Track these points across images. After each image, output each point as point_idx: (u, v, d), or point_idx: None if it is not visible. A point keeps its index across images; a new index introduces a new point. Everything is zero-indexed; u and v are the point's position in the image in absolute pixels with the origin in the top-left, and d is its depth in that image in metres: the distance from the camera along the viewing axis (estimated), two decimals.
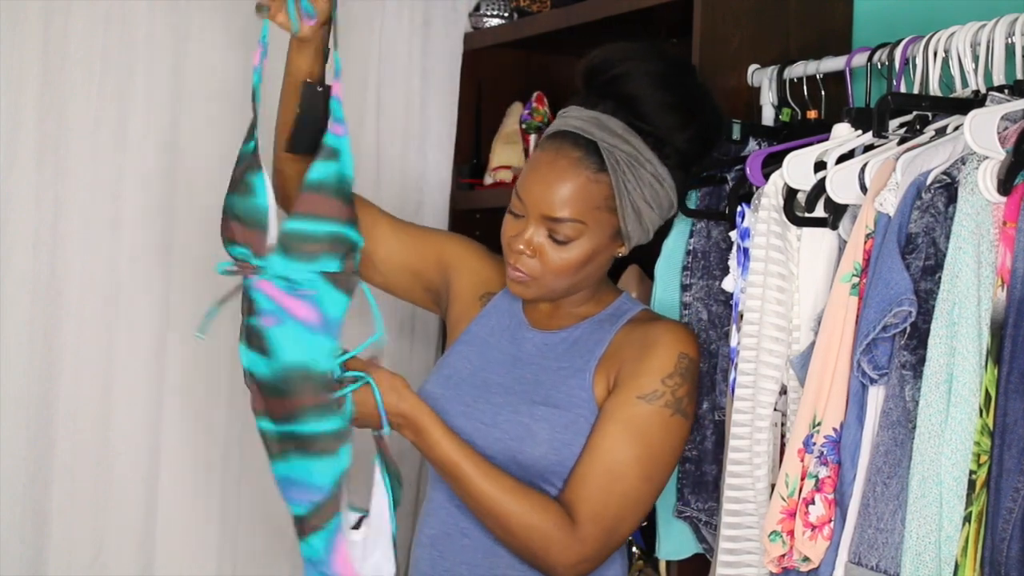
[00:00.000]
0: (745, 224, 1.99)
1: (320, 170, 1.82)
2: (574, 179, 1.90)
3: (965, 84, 1.91)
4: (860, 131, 1.91)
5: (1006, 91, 1.79)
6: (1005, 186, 1.62)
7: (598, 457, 1.89)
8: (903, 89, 2.00)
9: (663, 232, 2.20)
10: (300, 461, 1.87)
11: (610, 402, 1.92)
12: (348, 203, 1.84)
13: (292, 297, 1.83)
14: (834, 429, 1.76)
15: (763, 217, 1.92)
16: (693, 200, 2.18)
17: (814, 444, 1.77)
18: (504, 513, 1.88)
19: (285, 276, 1.82)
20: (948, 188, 1.69)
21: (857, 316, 1.75)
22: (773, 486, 1.85)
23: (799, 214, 1.90)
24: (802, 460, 1.78)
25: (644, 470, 1.90)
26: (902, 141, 1.85)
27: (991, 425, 1.60)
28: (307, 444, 1.85)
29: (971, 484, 1.61)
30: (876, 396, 1.74)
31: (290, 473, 1.88)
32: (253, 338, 1.86)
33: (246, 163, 1.85)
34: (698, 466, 2.12)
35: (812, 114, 2.18)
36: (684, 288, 2.15)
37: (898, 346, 1.70)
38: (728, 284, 2.03)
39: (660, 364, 1.92)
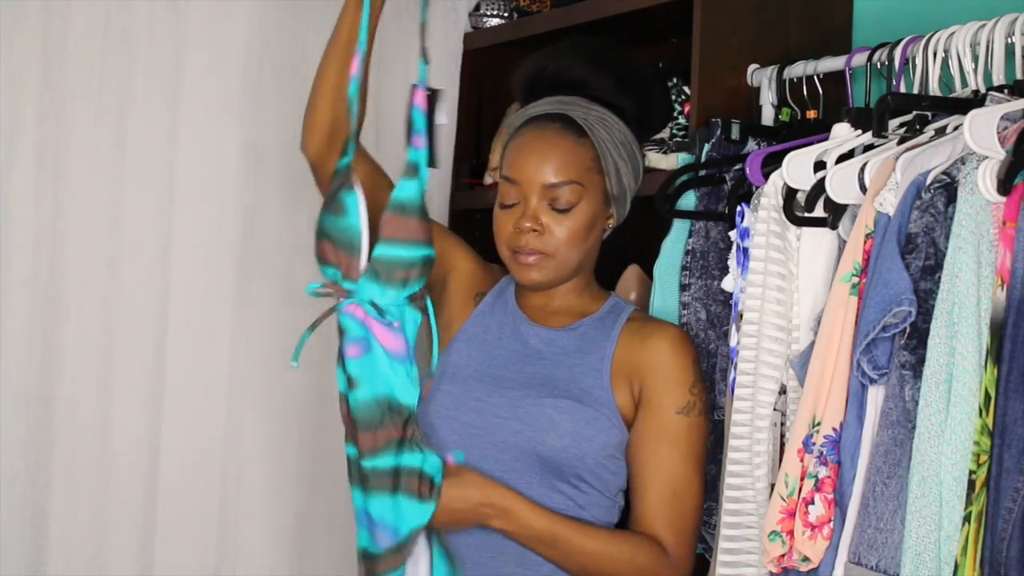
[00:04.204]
0: (745, 224, 1.99)
1: (406, 189, 1.81)
2: (562, 145, 1.97)
3: (965, 84, 1.91)
4: (860, 131, 1.91)
5: (1006, 91, 1.79)
6: (1005, 186, 1.61)
7: (663, 482, 1.95)
8: (903, 89, 2.00)
9: (662, 232, 2.21)
10: (385, 499, 1.85)
11: (649, 421, 1.96)
12: (427, 220, 1.83)
13: (381, 324, 1.81)
14: (834, 429, 1.76)
15: (763, 217, 1.92)
16: (692, 200, 2.18)
17: (814, 444, 1.77)
18: (611, 562, 1.93)
19: (374, 302, 1.81)
20: (948, 188, 1.69)
21: (857, 316, 1.75)
22: (773, 486, 1.85)
23: (799, 214, 1.90)
24: (802, 460, 1.78)
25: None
26: (902, 141, 1.85)
27: (991, 425, 1.60)
28: (393, 479, 1.83)
29: (971, 484, 1.61)
30: (876, 396, 1.74)
31: (372, 510, 1.85)
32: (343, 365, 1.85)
33: (340, 180, 1.82)
34: None
35: (811, 114, 2.18)
36: (683, 288, 2.15)
37: (898, 346, 1.70)
38: (728, 284, 2.03)
39: (683, 375, 1.98)
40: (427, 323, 2.15)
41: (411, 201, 1.81)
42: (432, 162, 1.87)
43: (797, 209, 1.90)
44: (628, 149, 2.01)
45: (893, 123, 1.90)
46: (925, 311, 1.68)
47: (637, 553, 1.93)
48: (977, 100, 1.82)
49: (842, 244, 1.87)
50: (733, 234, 2.02)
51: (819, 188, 1.85)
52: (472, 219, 2.87)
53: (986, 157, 1.64)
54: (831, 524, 1.76)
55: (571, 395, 1.97)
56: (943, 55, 1.93)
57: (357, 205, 1.81)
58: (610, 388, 1.97)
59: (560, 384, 1.98)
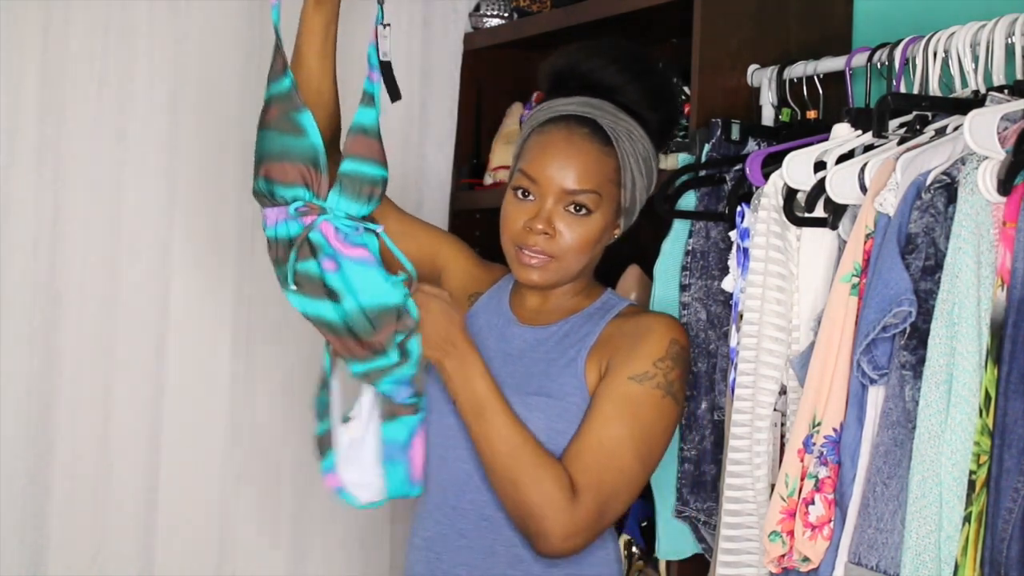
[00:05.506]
0: (745, 224, 1.99)
1: (364, 115, 1.93)
2: (589, 153, 1.95)
3: (965, 84, 1.91)
4: (860, 131, 1.91)
5: (1006, 91, 1.79)
6: (1005, 186, 1.61)
7: (592, 433, 1.90)
8: (903, 89, 2.00)
9: (662, 232, 2.21)
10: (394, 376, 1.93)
11: (602, 384, 1.94)
12: (382, 145, 1.95)
13: (345, 241, 1.90)
14: (834, 429, 1.76)
15: (763, 217, 1.92)
16: (692, 200, 2.18)
17: (814, 444, 1.77)
18: (519, 462, 1.88)
19: (349, 214, 1.90)
20: (948, 188, 1.69)
21: (857, 316, 1.75)
22: (773, 486, 1.85)
23: (799, 214, 1.90)
24: (802, 460, 1.78)
25: (636, 448, 1.91)
26: (902, 141, 1.85)
27: (991, 425, 1.60)
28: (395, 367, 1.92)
29: (971, 484, 1.61)
30: (876, 396, 1.74)
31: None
32: (309, 284, 1.90)
33: (287, 102, 1.90)
34: (697, 466, 2.12)
35: (812, 114, 2.19)
36: (683, 288, 2.15)
37: (898, 346, 1.70)
38: (728, 284, 2.03)
39: (652, 349, 1.94)
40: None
41: (371, 125, 1.94)
42: (393, 95, 2.01)
43: (797, 209, 1.90)
44: (647, 163, 1.99)
45: (893, 123, 1.89)
46: (925, 311, 1.68)
47: (548, 473, 1.87)
48: (977, 100, 1.82)
49: (842, 244, 1.87)
50: (733, 234, 2.02)
51: (819, 188, 1.85)
52: (472, 219, 2.88)
53: (986, 157, 1.64)
54: (831, 524, 1.76)
55: (543, 391, 1.95)
56: (943, 55, 1.93)
57: (313, 123, 1.91)
58: (583, 377, 1.95)
59: (534, 382, 1.97)
